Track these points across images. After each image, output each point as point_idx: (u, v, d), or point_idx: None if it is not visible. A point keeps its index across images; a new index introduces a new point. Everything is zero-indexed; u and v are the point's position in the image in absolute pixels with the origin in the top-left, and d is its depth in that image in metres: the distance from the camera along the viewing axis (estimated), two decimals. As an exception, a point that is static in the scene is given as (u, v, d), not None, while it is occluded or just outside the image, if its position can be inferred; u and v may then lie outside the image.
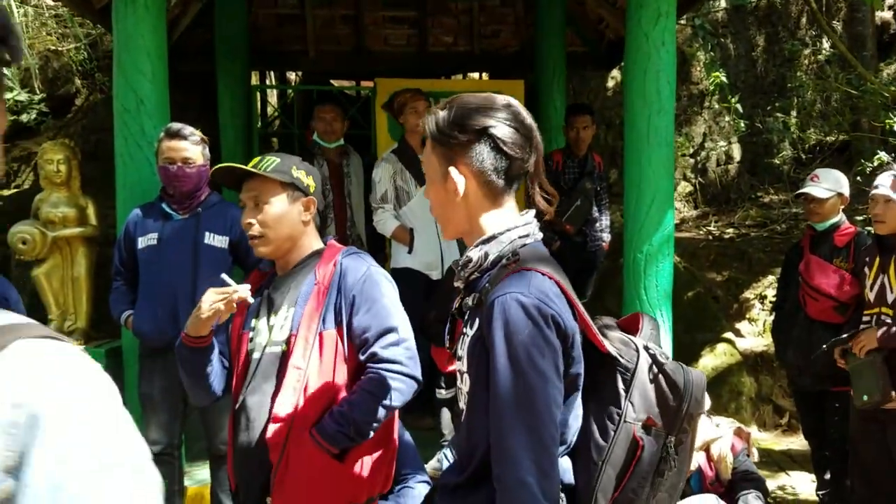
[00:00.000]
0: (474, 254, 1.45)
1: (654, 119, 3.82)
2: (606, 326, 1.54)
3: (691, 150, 8.72)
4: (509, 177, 1.45)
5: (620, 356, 1.45)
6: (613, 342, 1.47)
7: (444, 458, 3.55)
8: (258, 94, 7.21)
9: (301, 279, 1.99)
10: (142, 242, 3.18)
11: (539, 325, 1.31)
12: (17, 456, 0.57)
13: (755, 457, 3.48)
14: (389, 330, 1.91)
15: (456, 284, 1.54)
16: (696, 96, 8.84)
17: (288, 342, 1.92)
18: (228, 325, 2.08)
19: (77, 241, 4.08)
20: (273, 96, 8.83)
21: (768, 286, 6.20)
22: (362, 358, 1.91)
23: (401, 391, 1.91)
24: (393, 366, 1.89)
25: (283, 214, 1.97)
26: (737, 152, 8.84)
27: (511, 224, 1.45)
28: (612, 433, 1.40)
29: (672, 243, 4.01)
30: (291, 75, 8.79)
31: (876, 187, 3.13)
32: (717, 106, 8.56)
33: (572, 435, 1.44)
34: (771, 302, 5.86)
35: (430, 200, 1.53)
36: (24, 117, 6.81)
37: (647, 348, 1.47)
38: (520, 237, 1.44)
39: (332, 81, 7.94)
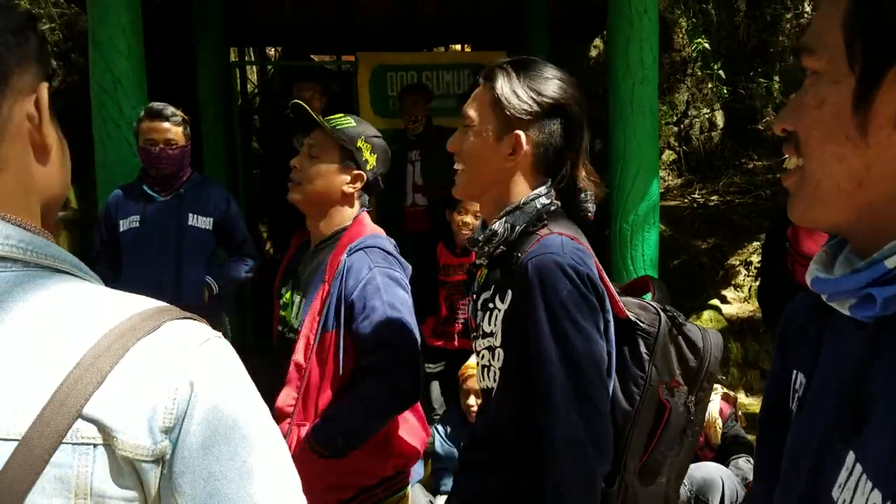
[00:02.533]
0: (499, 226, 1.42)
1: (638, 88, 3.80)
2: (620, 295, 1.53)
3: (675, 119, 8.71)
4: (562, 155, 1.44)
5: (640, 321, 1.44)
6: (630, 308, 1.47)
7: (434, 434, 3.57)
8: (237, 70, 7.11)
9: (318, 265, 1.94)
10: (123, 225, 3.14)
11: (577, 285, 1.32)
12: (175, 418, 0.65)
13: (743, 421, 3.52)
14: (386, 342, 1.80)
15: (478, 262, 1.51)
16: (678, 63, 8.81)
17: (297, 333, 1.89)
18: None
19: (58, 225, 4.03)
20: (253, 74, 8.72)
21: (753, 252, 6.24)
22: (361, 364, 1.85)
23: (394, 404, 1.85)
24: (388, 377, 1.80)
25: (327, 174, 1.93)
26: (720, 119, 8.84)
27: (534, 194, 1.43)
28: (638, 398, 1.40)
29: (658, 212, 4.02)
30: (271, 51, 8.67)
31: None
32: (699, 73, 8.54)
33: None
34: (756, 268, 5.91)
35: (460, 149, 1.47)
36: (-2, 99, 6.68)
37: (665, 310, 1.47)
38: (543, 205, 1.42)
39: (312, 56, 7.83)
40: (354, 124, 1.96)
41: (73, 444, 0.62)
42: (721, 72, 6.15)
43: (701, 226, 6.99)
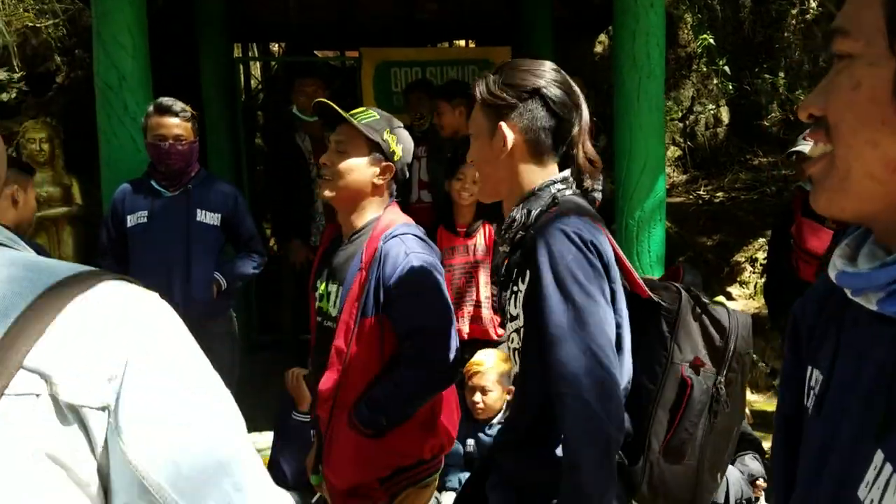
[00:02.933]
0: (517, 213, 1.50)
1: (644, 83, 3.78)
2: (647, 282, 1.56)
3: (680, 115, 8.68)
4: (556, 138, 1.50)
5: (661, 301, 1.47)
6: (654, 289, 1.51)
7: None
8: (241, 66, 7.10)
9: (353, 255, 1.98)
10: (131, 220, 3.13)
11: (582, 249, 1.36)
12: (117, 367, 0.67)
13: (749, 418, 3.51)
14: (422, 327, 1.89)
15: (501, 249, 1.58)
16: (683, 59, 8.77)
17: (336, 321, 1.96)
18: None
19: (63, 221, 4.04)
20: (257, 69, 8.71)
21: (759, 249, 6.21)
22: (400, 348, 1.94)
23: (431, 386, 1.95)
24: (423, 361, 1.91)
25: (357, 169, 1.97)
26: (725, 115, 8.80)
27: (550, 180, 1.50)
28: (660, 376, 1.43)
29: (664, 209, 3.99)
30: (274, 47, 8.66)
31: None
32: (704, 69, 8.50)
33: (626, 381, 1.45)
34: (762, 265, 5.88)
35: (473, 159, 1.58)
36: (3, 96, 6.69)
37: (688, 290, 1.49)
38: (558, 190, 1.49)
39: (315, 52, 7.82)
40: (379, 117, 2.01)
41: (16, 395, 0.63)
42: (726, 67, 6.11)
43: (706, 222, 6.97)
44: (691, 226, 6.92)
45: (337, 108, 1.98)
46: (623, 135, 3.88)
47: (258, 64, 8.57)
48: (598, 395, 1.30)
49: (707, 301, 1.48)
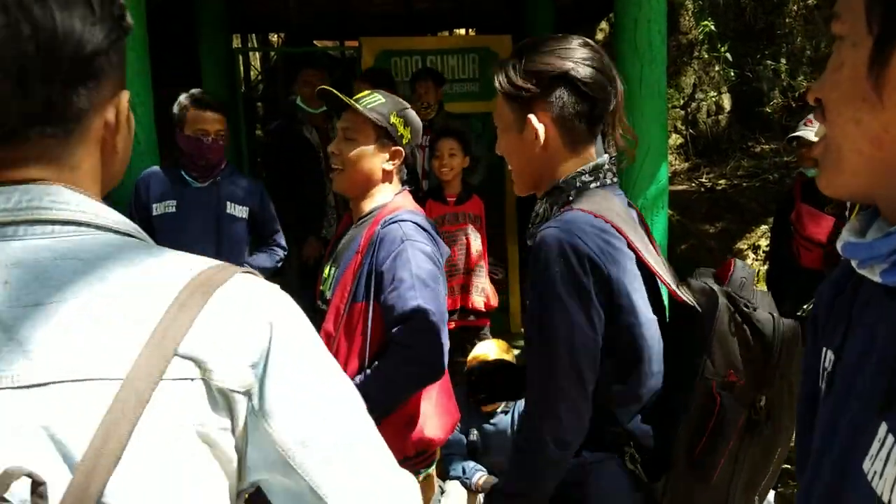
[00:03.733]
0: (539, 206, 1.42)
1: (646, 70, 3.75)
2: (700, 275, 1.43)
3: (682, 102, 8.65)
4: (591, 121, 1.38)
5: (698, 305, 1.34)
6: (695, 291, 1.37)
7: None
8: (240, 57, 7.07)
9: (354, 239, 1.94)
10: (157, 209, 3.14)
11: (570, 263, 1.26)
12: (259, 354, 0.72)
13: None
14: (412, 313, 1.78)
15: (529, 243, 1.48)
16: (685, 46, 8.74)
17: (328, 304, 1.91)
18: None
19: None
20: (256, 60, 8.68)
21: (761, 236, 6.21)
22: (387, 336, 1.84)
23: (416, 377, 1.84)
24: (409, 351, 1.80)
25: (366, 155, 1.93)
26: (727, 102, 8.77)
27: (577, 171, 1.39)
28: (691, 390, 1.30)
29: (666, 196, 3.98)
30: (273, 37, 8.63)
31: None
32: (706, 56, 8.47)
33: (646, 394, 1.36)
34: (765, 252, 5.88)
35: (503, 152, 1.46)
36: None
37: (729, 295, 1.32)
38: (583, 183, 1.38)
39: (315, 42, 7.79)
40: (384, 100, 1.95)
41: (173, 379, 0.68)
42: (728, 54, 6.09)
43: (709, 210, 6.96)
44: (694, 213, 6.91)
45: (340, 94, 1.94)
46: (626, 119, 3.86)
47: (258, 55, 8.55)
48: (541, 412, 1.31)
49: (751, 307, 1.30)
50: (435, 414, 2.00)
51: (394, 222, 1.87)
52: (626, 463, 1.35)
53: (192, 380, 0.69)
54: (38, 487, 0.60)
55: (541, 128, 1.37)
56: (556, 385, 1.29)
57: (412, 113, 2.01)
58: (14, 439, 0.63)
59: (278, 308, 0.76)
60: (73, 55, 0.69)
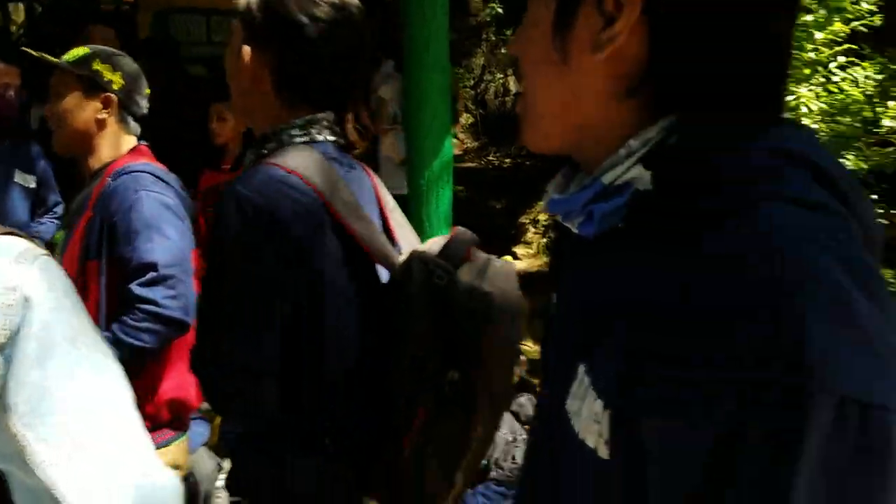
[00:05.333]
0: (247, 158, 1.31)
1: (433, 44, 3.82)
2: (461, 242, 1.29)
3: (472, 82, 8.95)
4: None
5: (393, 275, 1.26)
6: (401, 260, 1.28)
7: None
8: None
9: (85, 197, 1.81)
10: None
11: (248, 219, 1.14)
12: (9, 334, 0.68)
13: (524, 364, 3.74)
14: (148, 266, 1.70)
15: None
16: (474, 27, 9.03)
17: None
18: None
19: None
20: (19, 14, 7.71)
21: (541, 211, 6.62)
22: (126, 290, 1.72)
23: (154, 333, 1.71)
24: (147, 306, 1.70)
25: (72, 109, 1.82)
26: (513, 84, 9.21)
27: (286, 125, 1.26)
28: (388, 367, 1.23)
29: (451, 170, 4.10)
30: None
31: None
32: (493, 38, 8.82)
33: (337, 376, 1.23)
34: (544, 225, 6.27)
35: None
36: None
37: (425, 261, 1.21)
38: (290, 136, 1.25)
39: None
40: (90, 51, 1.86)
41: None
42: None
43: (495, 187, 7.29)
44: (482, 190, 7.21)
45: (33, 52, 1.87)
46: (412, 96, 3.92)
47: (20, 6, 7.58)
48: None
49: (448, 272, 1.19)
50: (188, 372, 1.89)
51: (126, 173, 1.78)
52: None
53: None
54: None
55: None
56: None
57: (125, 59, 1.92)
58: None
59: (40, 281, 0.71)
60: None
